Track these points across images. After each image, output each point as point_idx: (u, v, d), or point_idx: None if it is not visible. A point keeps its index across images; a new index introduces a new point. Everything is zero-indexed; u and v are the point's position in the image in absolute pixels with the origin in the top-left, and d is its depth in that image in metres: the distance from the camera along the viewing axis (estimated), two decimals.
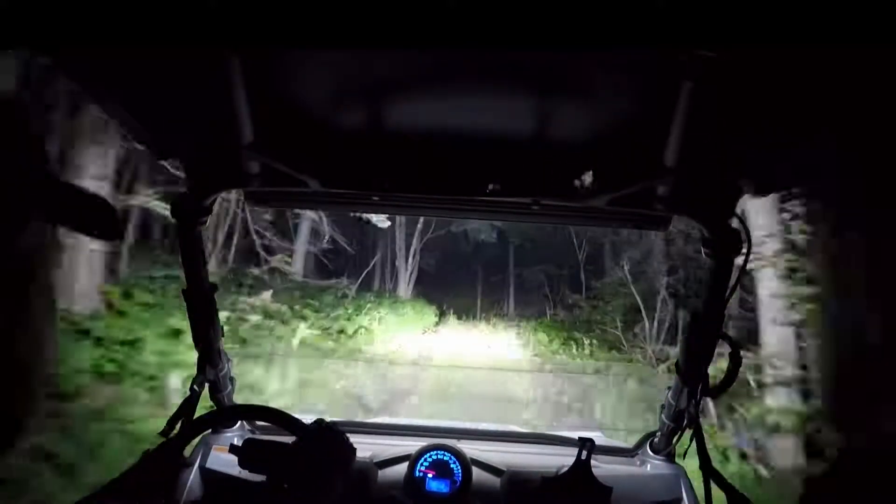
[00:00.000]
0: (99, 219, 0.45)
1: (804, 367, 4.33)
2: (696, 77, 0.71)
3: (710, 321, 1.11)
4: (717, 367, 1.17)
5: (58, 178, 0.41)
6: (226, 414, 1.37)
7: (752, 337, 4.89)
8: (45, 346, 0.39)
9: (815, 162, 0.81)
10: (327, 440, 1.04)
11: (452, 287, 16.33)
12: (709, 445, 1.14)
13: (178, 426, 1.11)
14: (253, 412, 1.26)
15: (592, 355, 9.13)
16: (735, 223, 1.02)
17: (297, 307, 8.28)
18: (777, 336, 4.56)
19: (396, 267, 14.83)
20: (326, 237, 10.16)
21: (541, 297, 16.09)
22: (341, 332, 8.60)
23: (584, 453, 1.23)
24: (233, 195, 6.88)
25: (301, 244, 11.38)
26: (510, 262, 17.81)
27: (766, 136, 0.84)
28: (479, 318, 14.57)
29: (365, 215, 8.38)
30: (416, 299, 13.82)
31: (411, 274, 14.84)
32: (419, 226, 14.46)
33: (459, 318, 13.90)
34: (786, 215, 4.30)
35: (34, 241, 0.38)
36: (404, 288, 14.55)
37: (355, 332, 8.88)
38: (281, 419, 1.09)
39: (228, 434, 1.43)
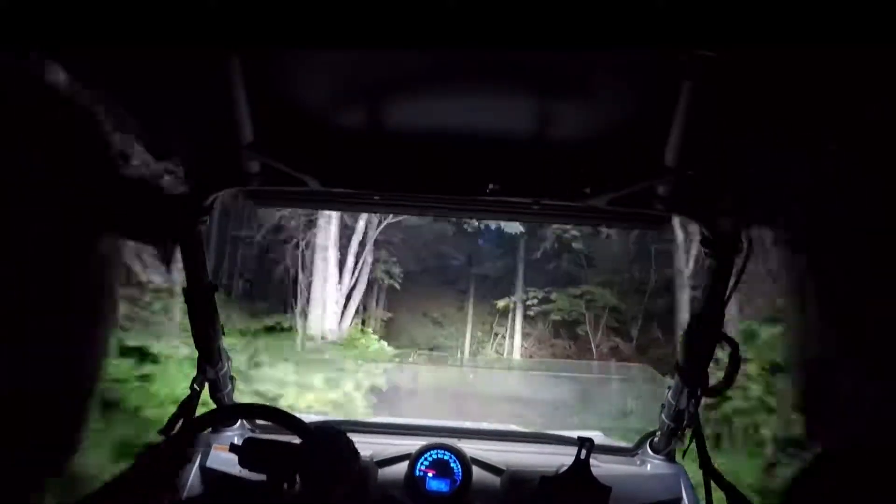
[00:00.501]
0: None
1: None
2: (696, 77, 0.71)
3: (710, 321, 1.11)
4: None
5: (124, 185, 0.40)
6: (226, 413, 1.37)
7: None
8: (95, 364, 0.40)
9: (814, 162, 0.81)
10: (332, 443, 1.04)
11: (431, 307, 12.16)
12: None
13: (178, 425, 1.12)
14: (253, 411, 1.27)
15: None
16: (735, 223, 1.02)
17: None
18: None
19: (312, 277, 7.64)
20: None
21: (579, 343, 9.13)
22: None
23: (584, 453, 1.23)
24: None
25: None
26: (519, 277, 11.98)
27: (766, 137, 0.84)
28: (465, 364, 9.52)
29: None
30: (356, 342, 7.02)
31: (352, 292, 8.09)
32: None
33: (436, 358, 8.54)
34: None
35: (101, 255, 0.38)
36: (329, 319, 7.36)
37: None
38: (283, 419, 1.09)
39: (229, 433, 1.43)
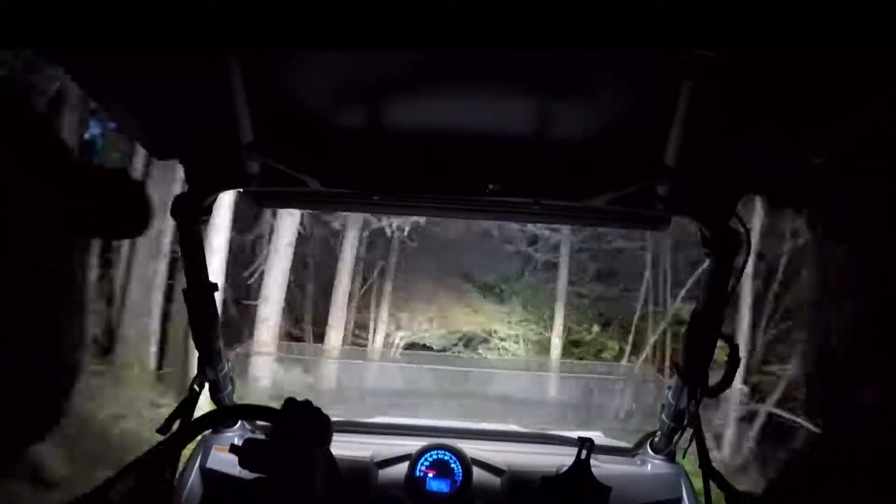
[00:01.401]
0: (127, 210, 0.43)
1: None
2: (696, 77, 0.71)
3: (710, 321, 1.11)
4: None
5: (73, 168, 0.39)
6: (226, 413, 1.37)
7: None
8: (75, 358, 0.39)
9: (815, 162, 0.81)
10: (300, 418, 1.00)
11: None
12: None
13: (176, 426, 1.12)
14: (253, 412, 1.27)
15: None
16: (735, 223, 1.02)
17: None
18: None
19: None
20: None
21: None
22: None
23: (584, 453, 1.23)
24: None
25: None
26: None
27: (767, 136, 0.84)
28: None
29: None
30: None
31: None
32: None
33: None
34: None
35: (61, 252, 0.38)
36: None
37: None
38: (271, 415, 1.08)
39: (229, 434, 1.43)
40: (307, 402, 1.01)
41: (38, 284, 0.35)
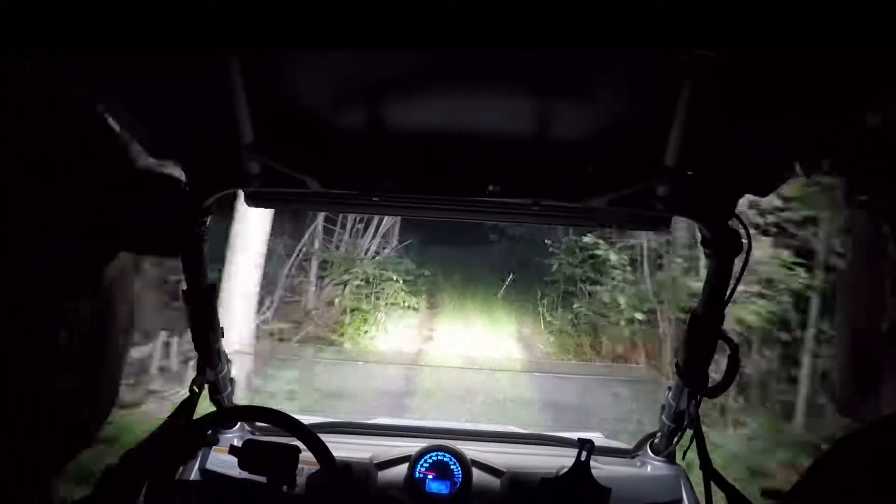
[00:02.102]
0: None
1: None
2: (696, 77, 0.71)
3: (710, 321, 1.11)
4: None
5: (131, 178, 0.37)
6: (226, 415, 1.36)
7: None
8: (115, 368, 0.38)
9: (815, 161, 0.81)
10: (356, 486, 1.05)
11: None
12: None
13: (176, 427, 1.11)
14: (253, 413, 1.27)
15: None
16: (735, 223, 1.02)
17: None
18: None
19: None
20: None
21: None
22: None
23: (584, 454, 1.23)
24: None
25: None
26: None
27: (767, 136, 0.84)
28: None
29: None
30: None
31: None
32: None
33: None
34: None
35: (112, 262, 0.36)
36: None
37: None
38: (285, 423, 1.08)
39: (228, 435, 1.43)
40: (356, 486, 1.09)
41: (87, 304, 0.34)
